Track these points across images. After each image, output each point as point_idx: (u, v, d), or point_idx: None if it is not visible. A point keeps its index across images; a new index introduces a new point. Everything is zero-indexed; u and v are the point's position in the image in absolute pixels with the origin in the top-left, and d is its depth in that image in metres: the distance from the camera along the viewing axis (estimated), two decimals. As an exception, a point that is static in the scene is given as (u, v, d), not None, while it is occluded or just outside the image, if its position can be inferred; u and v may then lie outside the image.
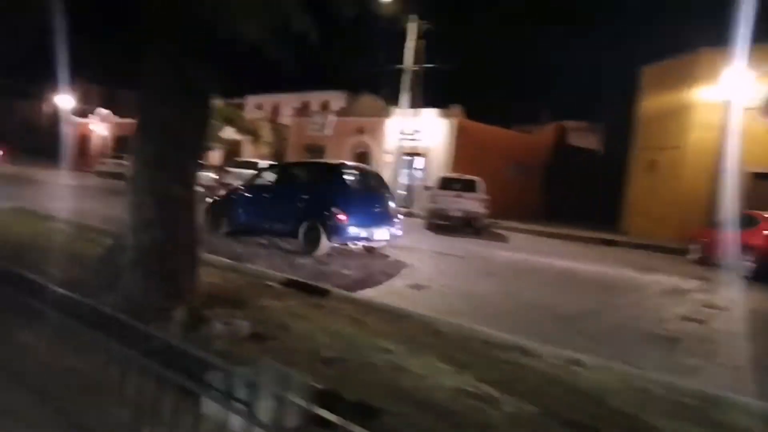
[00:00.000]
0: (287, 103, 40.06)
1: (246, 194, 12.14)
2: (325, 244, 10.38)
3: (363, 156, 29.29)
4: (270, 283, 7.01)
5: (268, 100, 44.85)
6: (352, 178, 11.38)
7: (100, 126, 46.60)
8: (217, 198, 12.85)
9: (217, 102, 35.72)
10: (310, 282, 7.12)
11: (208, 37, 5.72)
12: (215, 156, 35.92)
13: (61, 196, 18.92)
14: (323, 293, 6.67)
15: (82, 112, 47.73)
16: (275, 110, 41.24)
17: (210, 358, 2.97)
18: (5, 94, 53.37)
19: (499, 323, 6.31)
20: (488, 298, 8.30)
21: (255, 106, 44.58)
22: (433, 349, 4.95)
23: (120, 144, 43.61)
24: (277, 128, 34.66)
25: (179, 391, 2.96)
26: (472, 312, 7.04)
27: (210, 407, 2.91)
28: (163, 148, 5.35)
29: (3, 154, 40.74)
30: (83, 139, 48.01)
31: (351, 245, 11.11)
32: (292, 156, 32.14)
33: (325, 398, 2.90)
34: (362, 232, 10.62)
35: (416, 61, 25.82)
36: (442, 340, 5.33)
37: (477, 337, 5.52)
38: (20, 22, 14.31)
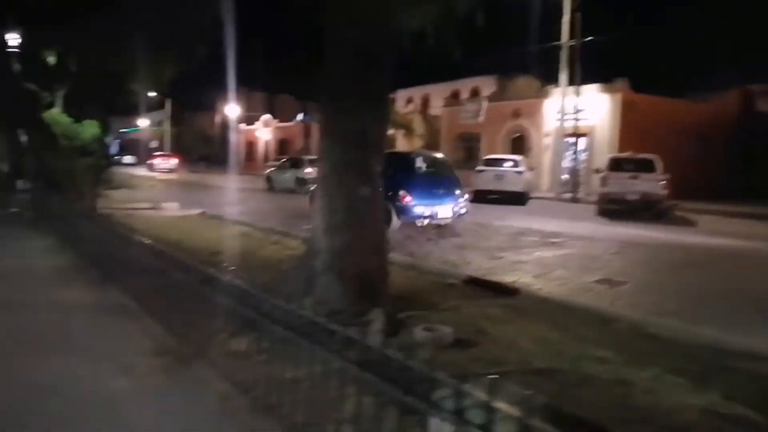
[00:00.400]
0: (436, 93, 39.86)
1: None
2: (395, 221, 11.70)
3: (520, 141, 28.24)
4: (452, 281, 6.74)
5: (417, 92, 45.04)
6: (417, 164, 12.77)
7: (264, 131, 49.96)
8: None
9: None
10: (497, 281, 6.74)
11: (383, 31, 5.59)
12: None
13: (235, 200, 20.34)
14: (511, 292, 6.26)
15: (248, 120, 51.54)
16: (425, 102, 41.28)
17: (436, 374, 2.70)
18: (184, 108, 59.43)
19: (722, 324, 5.47)
20: (698, 294, 7.32)
21: (405, 99, 44.97)
22: (654, 357, 4.33)
23: (282, 147, 46.49)
24: (428, 120, 34.62)
25: (401, 408, 2.73)
26: (684, 311, 6.20)
27: (441, 429, 2.64)
28: (349, 149, 5.28)
29: (177, 163, 45.57)
30: (249, 145, 51.89)
31: (417, 222, 12.07)
32: (444, 146, 31.92)
33: (562, 422, 2.51)
34: (426, 211, 11.94)
35: (572, 36, 24.23)
36: (661, 347, 4.67)
37: (701, 342, 4.78)
38: (197, 38, 15.56)
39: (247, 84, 50.67)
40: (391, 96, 43.76)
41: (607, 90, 24.96)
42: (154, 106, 49.67)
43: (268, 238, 10.09)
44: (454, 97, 38.07)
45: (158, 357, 4.09)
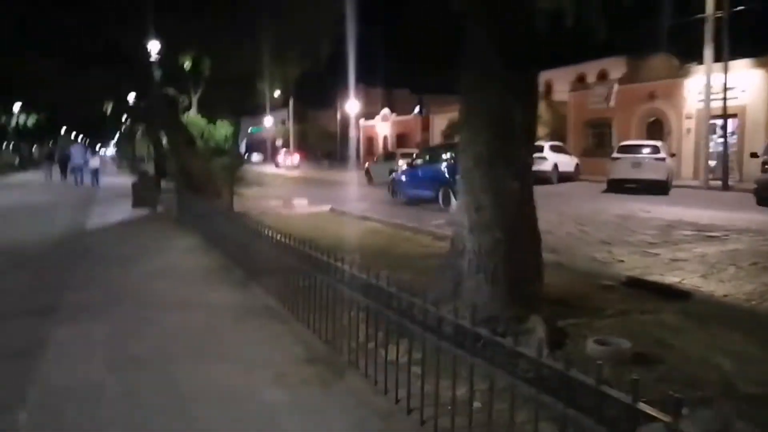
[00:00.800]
0: (559, 78, 37.85)
1: (408, 172, 17.07)
2: (454, 202, 12.94)
3: (656, 125, 26.09)
4: (608, 283, 6.08)
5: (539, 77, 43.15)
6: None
7: (383, 126, 50.38)
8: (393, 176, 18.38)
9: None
10: (663, 282, 5.98)
11: (529, 9, 5.09)
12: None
13: (359, 195, 20.46)
14: (682, 296, 5.51)
15: (367, 115, 52.23)
16: (548, 87, 39.44)
17: (641, 406, 2.22)
18: (306, 106, 61.54)
19: None
20: None
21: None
22: None
23: (400, 141, 46.63)
24: (553, 106, 33.00)
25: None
26: None
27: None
28: (494, 140, 4.83)
29: (300, 159, 47.15)
30: (369, 140, 52.58)
31: None
32: (571, 133, 30.31)
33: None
34: None
35: (718, 7, 21.85)
36: None
37: None
38: (320, 37, 15.74)
39: (365, 80, 51.47)
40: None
41: (762, 64, 22.32)
42: (278, 106, 51.81)
43: (399, 235, 9.87)
44: (579, 81, 36.06)
45: (310, 365, 3.91)
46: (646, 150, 19.34)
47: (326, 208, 14.36)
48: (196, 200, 11.17)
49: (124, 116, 43.11)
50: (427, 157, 16.92)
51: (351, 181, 27.57)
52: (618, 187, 18.44)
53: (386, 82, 57.91)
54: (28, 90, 27.47)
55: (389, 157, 27.73)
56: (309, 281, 4.84)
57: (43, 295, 5.92)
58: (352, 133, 49.61)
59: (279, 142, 62.33)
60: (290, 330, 4.64)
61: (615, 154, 19.73)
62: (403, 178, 17.01)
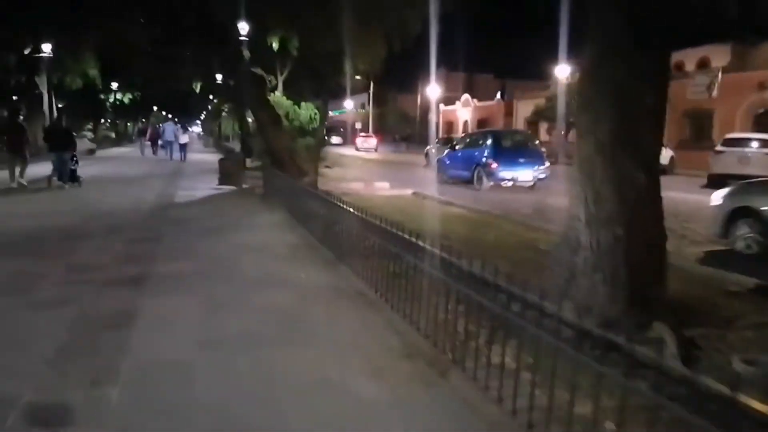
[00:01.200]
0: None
1: (450, 155, 18.67)
2: (486, 183, 15.79)
3: (765, 117, 24.08)
4: (734, 288, 5.44)
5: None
6: (503, 138, 17.39)
7: (463, 111, 49.52)
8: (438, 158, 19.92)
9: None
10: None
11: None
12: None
13: (431, 178, 20.01)
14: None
15: (447, 100, 51.47)
16: (642, 75, 37.26)
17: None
18: (386, 90, 61.37)
19: None
20: None
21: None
22: None
23: (481, 126, 45.66)
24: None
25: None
26: None
27: None
28: (620, 124, 4.31)
29: (378, 143, 47.03)
30: (449, 125, 51.85)
31: (502, 184, 15.71)
32: (667, 125, 28.45)
33: None
34: (509, 175, 15.68)
35: None
36: None
37: None
38: (408, 16, 15.38)
39: (447, 64, 50.61)
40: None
41: None
42: (359, 89, 51.90)
43: (486, 222, 9.43)
44: (677, 70, 33.83)
45: (409, 360, 3.61)
46: (755, 144, 17.80)
47: (408, 191, 14.06)
48: (281, 178, 11.16)
49: (211, 96, 44.49)
50: (467, 142, 18.56)
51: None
52: (720, 182, 17.07)
53: (468, 67, 56.85)
54: (126, 69, 28.66)
55: (447, 141, 28.32)
56: (404, 267, 4.55)
57: (134, 265, 5.93)
58: (432, 117, 49.04)
59: (358, 125, 62.62)
60: (385, 319, 4.36)
61: (719, 147, 18.31)
62: (446, 160, 18.63)
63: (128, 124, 62.94)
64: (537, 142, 19.66)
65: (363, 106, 62.38)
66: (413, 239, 4.35)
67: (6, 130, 14.53)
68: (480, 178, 15.94)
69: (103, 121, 51.82)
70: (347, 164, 27.80)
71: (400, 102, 63.90)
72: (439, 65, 42.53)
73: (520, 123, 40.16)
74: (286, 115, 21.49)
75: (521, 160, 16.05)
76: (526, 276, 4.46)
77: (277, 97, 22.34)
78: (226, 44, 17.31)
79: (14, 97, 27.45)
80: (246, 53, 16.77)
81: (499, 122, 43.03)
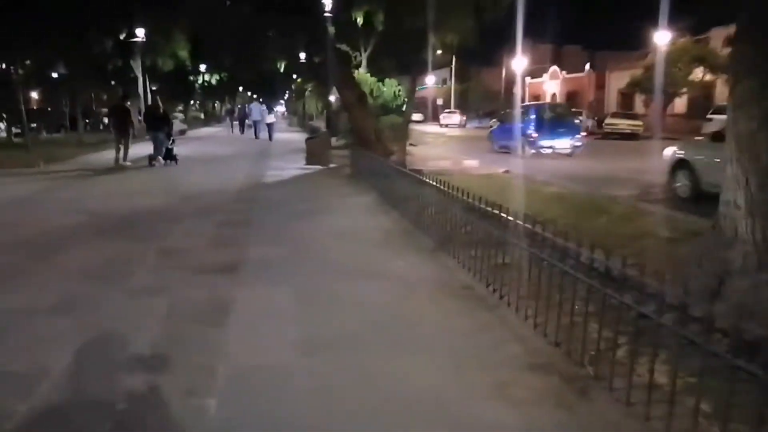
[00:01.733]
0: None
1: (499, 126, 21.30)
2: (528, 150, 17.86)
3: None
4: None
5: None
6: (543, 111, 19.26)
7: (551, 84, 47.43)
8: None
9: (682, 39, 31.53)
10: None
11: None
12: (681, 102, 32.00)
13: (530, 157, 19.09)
14: None
15: (533, 73, 49.42)
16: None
17: None
18: (469, 65, 59.80)
19: None
20: None
21: (724, 39, 37.88)
22: None
23: (570, 99, 43.56)
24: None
25: None
26: None
27: None
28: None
29: (462, 119, 45.87)
30: (535, 99, 49.84)
31: (542, 151, 17.82)
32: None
33: None
34: (547, 144, 17.78)
35: None
36: None
37: None
38: None
39: (533, 36, 48.45)
40: (702, 36, 37.33)
41: None
42: (440, 65, 50.71)
43: (591, 205, 8.62)
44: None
45: (537, 374, 3.08)
46: None
47: (499, 169, 13.33)
48: (369, 158, 10.78)
49: (294, 75, 44.89)
50: (512, 115, 20.28)
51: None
52: None
53: (555, 38, 54.29)
54: (214, 50, 29.22)
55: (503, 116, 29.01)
56: (519, 259, 4.02)
57: (224, 251, 5.71)
58: (517, 91, 47.25)
59: (440, 101, 61.50)
60: (501, 320, 3.84)
61: None
62: (497, 132, 21.09)
63: (215, 104, 64.91)
64: (577, 114, 23.52)
65: (444, 82, 61.13)
66: (533, 227, 3.80)
67: (113, 112, 15.52)
68: (523, 147, 18.06)
69: (192, 102, 53.63)
70: (430, 142, 27.17)
71: (483, 76, 62.08)
72: (524, 37, 40.81)
73: (612, 95, 37.95)
74: (370, 93, 21.13)
75: (561, 130, 18.24)
76: (657, 271, 3.84)
77: (361, 74, 21.99)
78: (310, 20, 17.05)
79: (112, 82, 28.68)
80: (331, 29, 16.42)
81: (590, 95, 40.88)
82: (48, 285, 4.62)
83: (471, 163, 14.88)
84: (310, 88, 41.16)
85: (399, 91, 23.11)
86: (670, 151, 10.09)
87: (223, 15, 17.90)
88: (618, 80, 37.30)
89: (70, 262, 5.32)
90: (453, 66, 55.81)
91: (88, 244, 6.04)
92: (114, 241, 6.15)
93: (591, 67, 44.42)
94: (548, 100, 47.41)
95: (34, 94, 40.28)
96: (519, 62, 43.92)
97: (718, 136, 8.01)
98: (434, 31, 15.86)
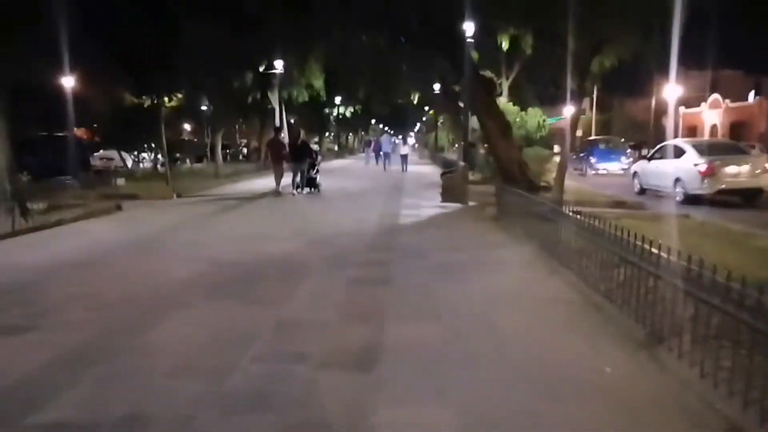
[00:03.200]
0: None
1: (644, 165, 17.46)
2: (589, 172, 24.39)
3: None
4: None
5: None
6: (599, 143, 27.94)
7: (710, 114, 42.66)
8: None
9: None
10: None
11: None
12: None
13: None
14: None
15: (687, 102, 44.83)
16: None
17: None
18: (611, 94, 55.87)
19: None
20: None
21: None
22: None
23: (735, 131, 38.75)
24: None
25: None
26: None
27: None
28: None
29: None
30: (690, 130, 45.18)
31: (599, 172, 24.01)
32: None
33: None
34: (602, 167, 24.53)
35: None
36: None
37: None
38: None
39: (685, 62, 43.99)
40: None
41: None
42: (576, 95, 47.62)
43: None
44: None
45: None
46: None
47: (672, 210, 11.06)
48: (519, 195, 9.15)
49: (426, 107, 44.24)
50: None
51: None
52: None
53: (713, 64, 49.06)
54: (348, 82, 29.19)
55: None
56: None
57: (358, 327, 4.37)
58: (669, 121, 42.97)
59: (579, 133, 57.98)
60: None
61: None
62: (640, 170, 16.73)
63: (349, 136, 66.10)
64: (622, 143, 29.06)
65: (584, 112, 57.61)
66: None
67: (271, 145, 16.92)
68: (585, 171, 24.38)
69: (327, 134, 54.78)
70: (571, 175, 24.82)
71: (627, 106, 57.75)
72: (678, 63, 36.88)
73: (791, 125, 33.05)
74: (513, 123, 19.45)
75: (612, 156, 24.93)
76: None
77: (503, 103, 20.40)
78: (449, 48, 15.83)
79: (249, 114, 29.44)
80: (474, 54, 15.09)
81: (762, 125, 35.95)
82: (122, 380, 3.51)
83: (629, 199, 12.68)
84: (442, 120, 40.21)
85: (544, 120, 21.21)
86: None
87: (358, 46, 17.36)
88: (797, 108, 32.50)
89: (161, 341, 4.13)
90: (594, 95, 52.34)
91: (190, 311, 4.85)
92: (223, 305, 5.00)
93: (756, 93, 39.29)
94: (707, 132, 42.71)
95: (187, 126, 42.97)
96: (672, 90, 39.98)
97: None
98: (594, 52, 13.92)
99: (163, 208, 12.21)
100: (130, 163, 22.59)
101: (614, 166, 23.95)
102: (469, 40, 15.64)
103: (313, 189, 15.62)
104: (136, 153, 21.68)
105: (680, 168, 13.74)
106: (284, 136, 18.30)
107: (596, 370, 3.58)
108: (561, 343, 4.07)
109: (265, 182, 18.92)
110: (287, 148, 16.19)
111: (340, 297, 5.24)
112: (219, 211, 12.01)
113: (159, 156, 21.43)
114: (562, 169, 12.33)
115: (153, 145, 21.43)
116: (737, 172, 13.16)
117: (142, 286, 5.70)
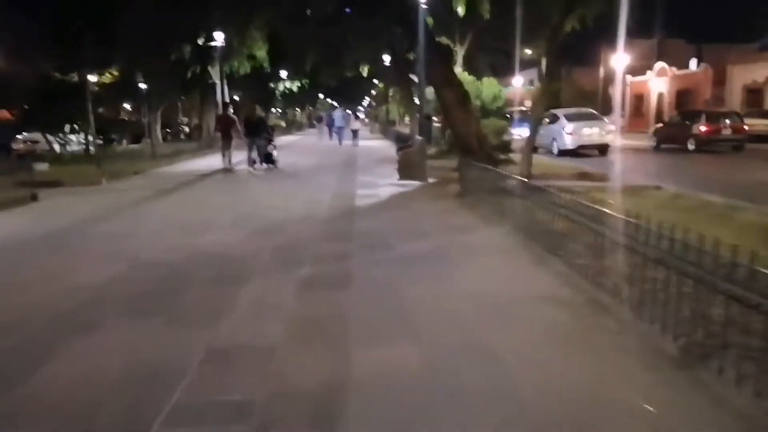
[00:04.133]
0: None
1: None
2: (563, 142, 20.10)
3: None
4: None
5: None
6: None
7: (657, 82, 42.98)
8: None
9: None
10: None
11: None
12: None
13: (658, 165, 16.01)
14: None
15: (632, 71, 45.05)
16: None
17: None
18: (559, 64, 55.81)
19: None
20: None
21: None
22: None
23: (681, 99, 39.13)
24: None
25: None
26: None
27: None
28: None
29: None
30: (637, 99, 45.54)
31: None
32: None
33: None
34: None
35: None
36: None
37: None
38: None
39: (630, 31, 43.99)
40: None
41: None
42: (526, 66, 47.34)
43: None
44: None
45: None
46: None
47: (647, 184, 10.45)
48: (486, 171, 8.32)
49: (375, 80, 43.03)
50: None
51: (631, 145, 22.73)
52: None
53: (658, 32, 49.38)
54: (294, 53, 27.72)
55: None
56: None
57: (312, 358, 3.38)
58: (616, 90, 43.19)
59: (527, 104, 57.89)
60: None
61: None
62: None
63: (296, 111, 64.19)
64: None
65: (531, 83, 57.47)
66: None
67: (219, 121, 16.50)
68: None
69: (273, 110, 52.85)
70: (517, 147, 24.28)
71: (575, 76, 57.91)
72: (629, 32, 36.71)
73: (736, 91, 33.40)
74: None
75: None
76: None
77: (458, 72, 19.47)
78: (403, 13, 14.73)
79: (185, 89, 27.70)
80: (429, 20, 14.05)
81: (706, 93, 36.33)
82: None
83: (599, 172, 12.04)
84: (392, 92, 39.10)
85: (500, 91, 20.42)
86: None
87: (302, 14, 16.10)
88: (743, 74, 32.81)
89: (40, 393, 3.09)
90: (542, 65, 52.09)
91: (92, 337, 3.70)
92: (139, 326, 3.88)
93: (699, 61, 39.64)
94: (654, 99, 43.06)
95: (127, 106, 40.46)
96: (620, 59, 39.98)
97: None
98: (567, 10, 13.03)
99: (87, 196, 10.82)
100: (57, 147, 20.68)
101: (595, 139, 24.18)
102: (423, 4, 14.61)
103: (270, 165, 15.46)
104: (61, 135, 19.76)
105: (555, 130, 18.77)
106: (232, 111, 17.36)
107: (632, 408, 2.71)
108: (573, 367, 3.19)
109: (208, 162, 17.58)
110: (238, 124, 15.67)
111: (289, 308, 4.22)
112: (152, 197, 10.71)
113: (89, 137, 19.63)
114: (529, 141, 11.54)
115: (79, 125, 19.59)
116: (590, 133, 18.57)
117: (37, 299, 4.53)
